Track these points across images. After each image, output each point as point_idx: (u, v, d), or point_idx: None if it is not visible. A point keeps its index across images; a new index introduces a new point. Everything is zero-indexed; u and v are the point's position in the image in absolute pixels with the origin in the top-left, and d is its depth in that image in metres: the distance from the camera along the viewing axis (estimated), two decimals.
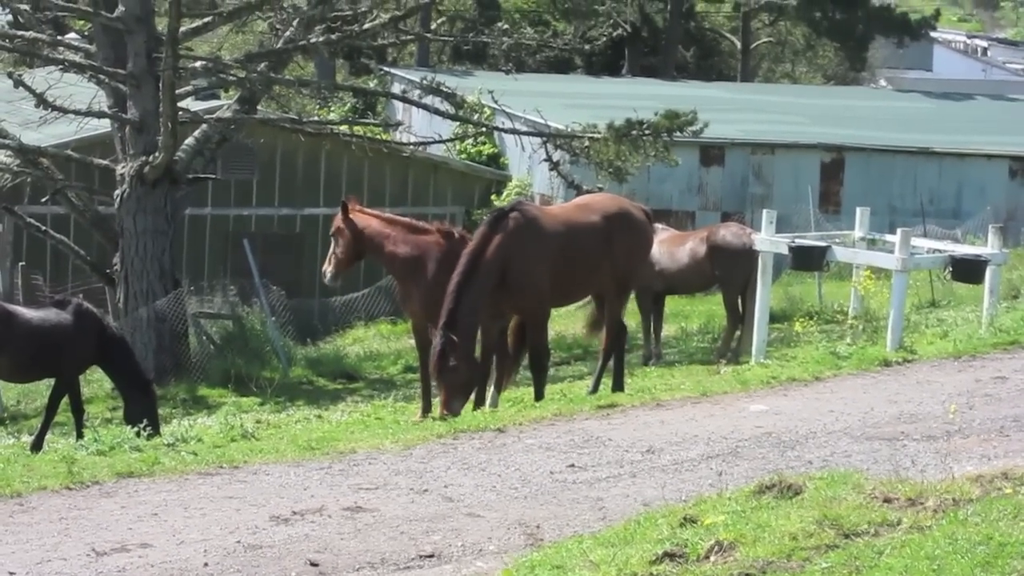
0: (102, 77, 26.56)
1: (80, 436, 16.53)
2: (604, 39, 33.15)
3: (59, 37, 28.98)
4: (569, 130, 28.30)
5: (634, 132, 27.54)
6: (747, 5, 59.88)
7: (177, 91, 25.06)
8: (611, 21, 57.53)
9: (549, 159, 28.02)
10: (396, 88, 43.36)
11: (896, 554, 8.11)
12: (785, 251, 19.02)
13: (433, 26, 47.75)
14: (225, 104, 29.35)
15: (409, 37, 33.05)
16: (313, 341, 29.33)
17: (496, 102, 28.32)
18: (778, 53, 67.62)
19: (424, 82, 27.98)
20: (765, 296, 19.27)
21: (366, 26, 28.00)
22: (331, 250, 17.63)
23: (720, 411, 14.23)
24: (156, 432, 15.98)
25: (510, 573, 8.80)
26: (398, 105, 43.05)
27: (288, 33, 26.93)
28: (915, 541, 8.29)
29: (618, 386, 17.01)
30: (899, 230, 18.52)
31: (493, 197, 36.44)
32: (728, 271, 22.48)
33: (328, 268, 17.61)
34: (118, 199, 26.16)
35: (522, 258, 15.85)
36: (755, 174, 38.30)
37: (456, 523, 10.40)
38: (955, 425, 12.78)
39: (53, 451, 14.95)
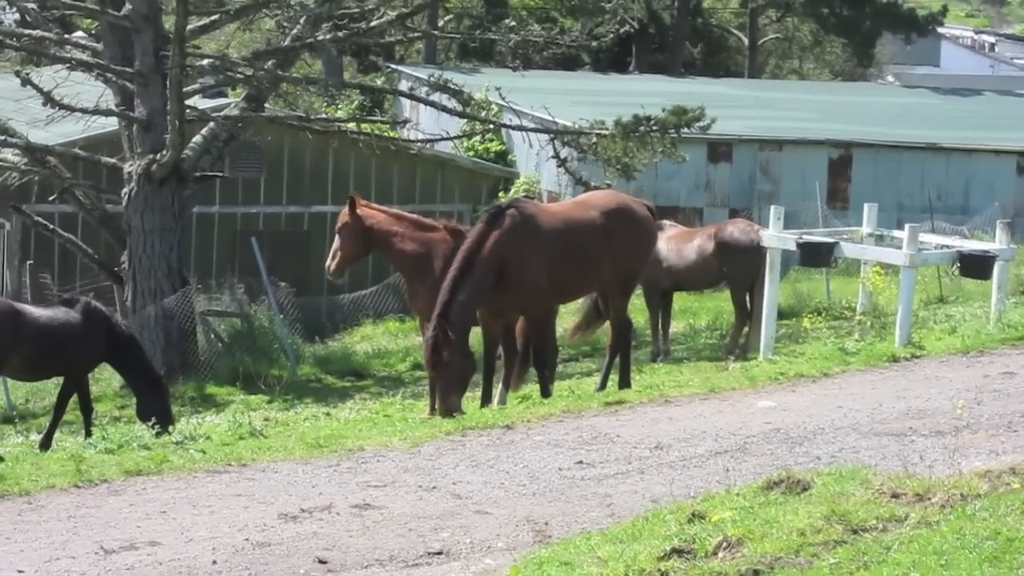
0: (109, 75, 26.60)
1: (88, 434, 16.56)
2: (611, 36, 33.00)
3: (66, 35, 29.02)
4: (576, 127, 28.33)
5: (641, 128, 27.55)
6: (754, 1, 59.89)
7: (184, 89, 25.09)
8: (618, 18, 57.32)
9: (556, 156, 28.01)
10: (403, 85, 43.31)
11: (904, 549, 8.11)
12: (793, 247, 18.99)
13: (440, 23, 47.88)
14: (232, 102, 29.34)
15: (416, 34, 33.17)
16: (321, 339, 29.31)
17: (503, 99, 28.34)
18: (785, 49, 67.60)
19: (431, 79, 28.02)
20: (773, 292, 19.24)
21: (373, 23, 28.01)
22: (335, 245, 17.33)
23: (728, 407, 14.22)
24: (170, 427, 16.01)
25: (518, 570, 8.80)
26: (405, 102, 43.07)
27: (295, 31, 26.91)
28: (923, 536, 8.28)
29: (624, 383, 16.95)
30: (907, 226, 18.48)
31: (501, 194, 36.33)
32: (736, 268, 22.45)
33: (331, 263, 17.28)
34: (126, 197, 26.20)
35: (519, 256, 15.65)
36: (762, 170, 38.27)
37: (464, 520, 10.40)
38: (963, 421, 12.77)
39: (62, 449, 14.97)
